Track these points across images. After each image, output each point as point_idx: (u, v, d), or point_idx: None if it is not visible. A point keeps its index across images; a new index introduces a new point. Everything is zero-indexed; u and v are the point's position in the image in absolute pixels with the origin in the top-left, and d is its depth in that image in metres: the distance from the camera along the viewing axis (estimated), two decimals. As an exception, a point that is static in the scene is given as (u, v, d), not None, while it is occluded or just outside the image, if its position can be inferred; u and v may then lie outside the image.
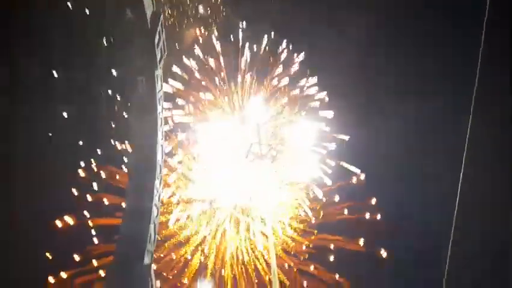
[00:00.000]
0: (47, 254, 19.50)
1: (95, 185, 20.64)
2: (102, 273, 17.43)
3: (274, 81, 23.75)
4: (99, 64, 21.46)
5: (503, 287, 8.14)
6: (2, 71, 20.81)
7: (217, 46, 23.00)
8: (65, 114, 21.40)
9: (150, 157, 10.96)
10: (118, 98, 20.79)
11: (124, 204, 11.20)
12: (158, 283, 9.57)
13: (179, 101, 21.99)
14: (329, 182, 20.89)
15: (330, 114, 21.83)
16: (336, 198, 21.69)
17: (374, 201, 21.34)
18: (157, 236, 10.50)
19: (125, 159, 19.82)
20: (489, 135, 8.62)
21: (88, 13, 20.84)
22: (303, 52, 23.72)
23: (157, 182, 11.07)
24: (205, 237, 21.19)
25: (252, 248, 21.29)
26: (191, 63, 22.19)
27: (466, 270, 8.54)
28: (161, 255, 20.75)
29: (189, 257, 21.37)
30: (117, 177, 20.88)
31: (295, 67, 23.19)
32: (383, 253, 20.03)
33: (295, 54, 23.54)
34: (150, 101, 10.69)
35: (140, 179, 10.86)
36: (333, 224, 23.22)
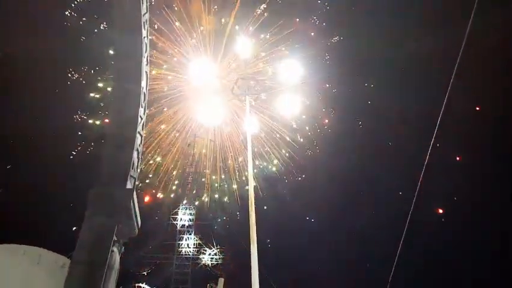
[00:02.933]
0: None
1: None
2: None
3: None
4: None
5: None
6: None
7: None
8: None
9: (133, 84, 10.64)
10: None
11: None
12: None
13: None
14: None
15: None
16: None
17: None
18: (140, 162, 10.49)
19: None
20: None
21: None
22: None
23: (141, 109, 10.86)
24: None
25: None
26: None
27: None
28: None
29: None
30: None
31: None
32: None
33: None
34: (134, 23, 10.10)
35: (123, 105, 10.61)
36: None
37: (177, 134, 41.16)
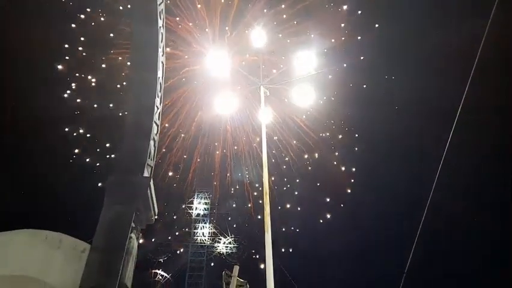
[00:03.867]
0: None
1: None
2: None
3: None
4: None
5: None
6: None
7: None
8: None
9: (150, 73, 10.75)
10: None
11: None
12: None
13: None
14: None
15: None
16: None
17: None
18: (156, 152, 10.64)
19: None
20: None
21: None
22: None
23: (157, 99, 10.99)
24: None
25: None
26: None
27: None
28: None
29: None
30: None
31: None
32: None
33: None
34: (150, 12, 10.16)
35: (140, 95, 10.75)
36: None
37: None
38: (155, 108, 10.72)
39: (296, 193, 43.44)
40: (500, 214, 31.76)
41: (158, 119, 11.11)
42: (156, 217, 10.06)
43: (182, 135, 41.80)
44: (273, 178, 40.99)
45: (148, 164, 9.85)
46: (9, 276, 7.97)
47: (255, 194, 42.30)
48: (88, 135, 36.59)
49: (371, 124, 40.20)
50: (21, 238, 8.36)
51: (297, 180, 43.42)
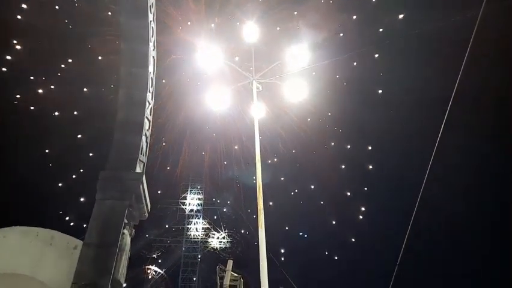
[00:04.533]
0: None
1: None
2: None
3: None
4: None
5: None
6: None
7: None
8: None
9: (140, 69, 10.64)
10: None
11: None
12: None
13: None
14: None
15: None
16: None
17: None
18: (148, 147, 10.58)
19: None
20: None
21: None
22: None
23: (148, 94, 10.89)
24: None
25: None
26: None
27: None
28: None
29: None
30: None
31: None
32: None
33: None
34: (140, 6, 10.03)
35: (131, 90, 10.64)
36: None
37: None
38: (147, 103, 10.63)
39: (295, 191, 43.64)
40: (501, 214, 32.10)
41: (150, 114, 11.02)
42: (149, 212, 10.02)
43: (173, 129, 41.61)
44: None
45: (140, 159, 9.79)
46: (1, 275, 7.90)
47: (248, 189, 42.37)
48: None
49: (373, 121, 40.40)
50: (12, 235, 8.26)
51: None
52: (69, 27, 35.32)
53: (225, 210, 43.51)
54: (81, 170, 37.15)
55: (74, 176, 36.89)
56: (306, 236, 44.19)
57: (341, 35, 39.60)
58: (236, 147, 44.25)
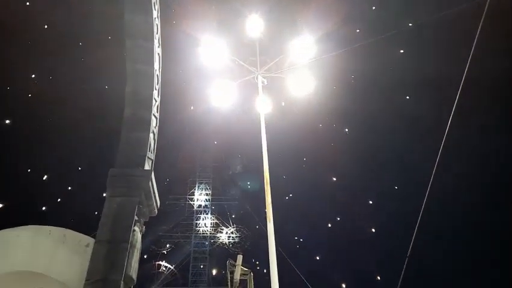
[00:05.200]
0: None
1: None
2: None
3: None
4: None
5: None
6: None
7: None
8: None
9: (146, 66, 10.66)
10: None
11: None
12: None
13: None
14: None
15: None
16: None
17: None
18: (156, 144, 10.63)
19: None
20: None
21: None
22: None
23: (154, 92, 10.92)
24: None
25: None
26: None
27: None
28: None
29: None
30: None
31: None
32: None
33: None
34: (144, 2, 10.03)
35: (137, 88, 10.67)
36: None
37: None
38: (154, 100, 10.66)
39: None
40: (500, 214, 31.75)
41: (157, 112, 11.06)
42: (158, 209, 10.10)
43: (178, 125, 41.68)
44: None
45: (148, 157, 9.85)
46: (15, 273, 8.03)
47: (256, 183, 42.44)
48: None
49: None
50: (25, 234, 8.39)
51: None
52: (67, 26, 35.18)
53: (234, 204, 43.71)
54: (79, 168, 37.34)
55: (73, 176, 37.08)
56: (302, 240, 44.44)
57: (349, 27, 39.07)
58: (242, 142, 44.26)
